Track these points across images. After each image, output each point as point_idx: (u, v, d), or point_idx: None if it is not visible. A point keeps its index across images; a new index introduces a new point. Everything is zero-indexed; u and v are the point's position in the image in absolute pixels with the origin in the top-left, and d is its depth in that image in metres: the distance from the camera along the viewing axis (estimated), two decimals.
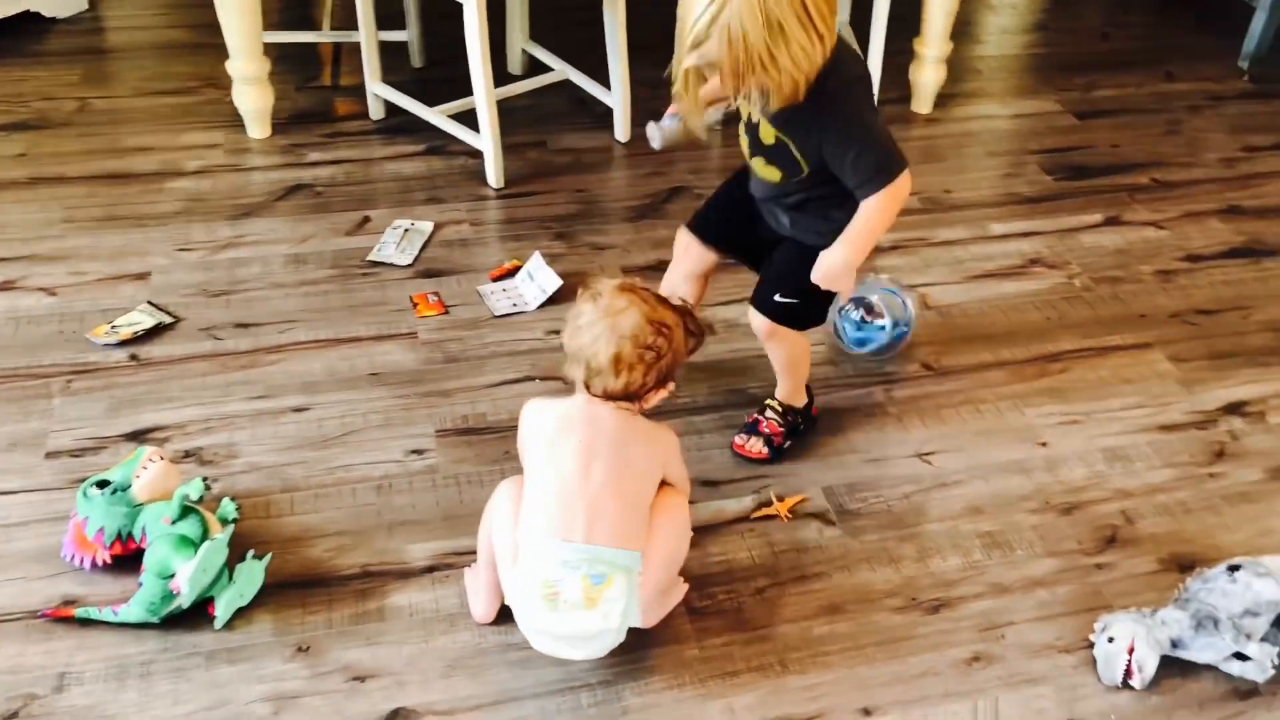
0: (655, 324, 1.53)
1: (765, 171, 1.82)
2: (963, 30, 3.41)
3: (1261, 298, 2.40)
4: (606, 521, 1.49)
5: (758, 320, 1.87)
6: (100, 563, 1.67)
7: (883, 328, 2.11)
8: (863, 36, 2.95)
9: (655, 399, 1.58)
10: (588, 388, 1.54)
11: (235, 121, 2.82)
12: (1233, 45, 3.35)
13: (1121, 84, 3.25)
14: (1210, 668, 1.61)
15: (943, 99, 3.06)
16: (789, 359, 1.93)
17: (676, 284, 1.99)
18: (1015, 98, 3.18)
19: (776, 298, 1.84)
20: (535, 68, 3.04)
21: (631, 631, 1.61)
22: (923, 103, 3.04)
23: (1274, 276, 2.46)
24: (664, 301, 1.59)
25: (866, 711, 1.56)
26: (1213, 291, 2.41)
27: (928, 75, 2.98)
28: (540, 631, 1.51)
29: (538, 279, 2.30)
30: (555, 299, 2.27)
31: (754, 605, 1.70)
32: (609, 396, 1.54)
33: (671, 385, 1.59)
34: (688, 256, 1.98)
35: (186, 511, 1.62)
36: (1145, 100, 3.17)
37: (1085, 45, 3.50)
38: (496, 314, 2.25)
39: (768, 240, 1.90)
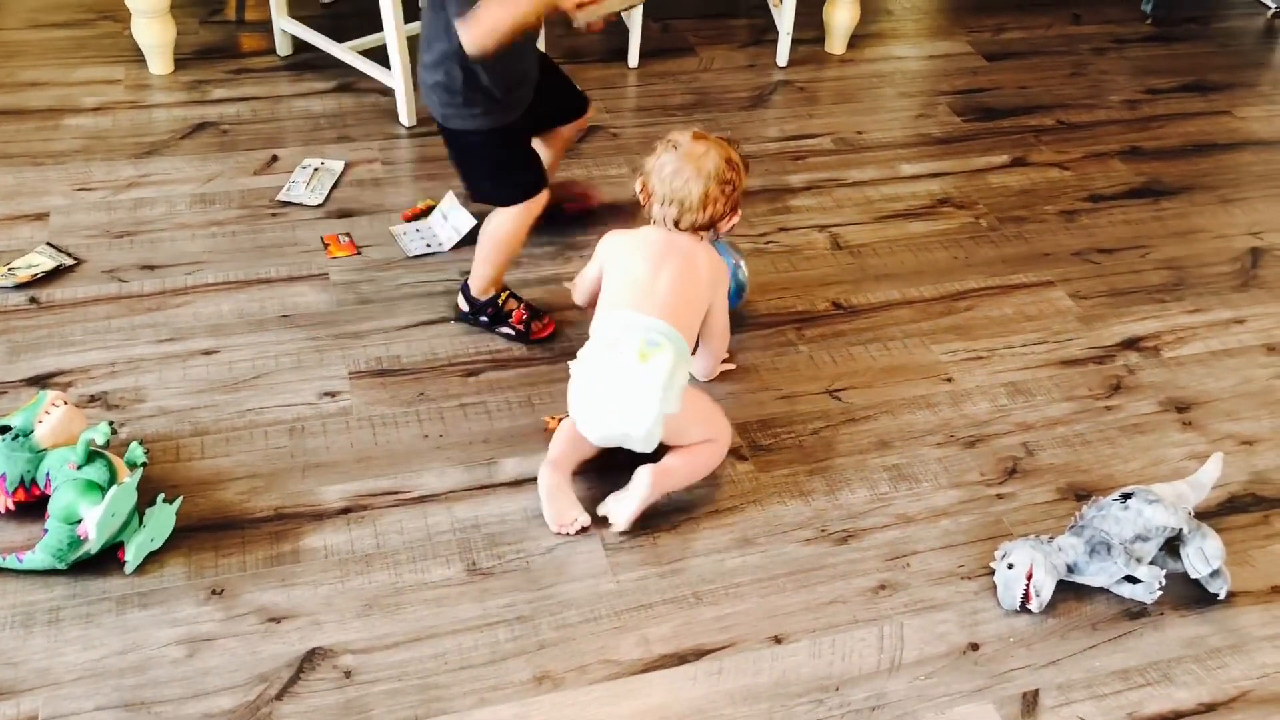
0: (730, 161, 1.79)
1: None
2: None
3: (1159, 237, 2.47)
4: (669, 308, 1.77)
5: (581, 121, 2.20)
6: (3, 510, 1.64)
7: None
8: None
9: (728, 225, 1.84)
10: (677, 224, 1.80)
11: (135, 56, 2.73)
12: None
13: (1030, 26, 3.30)
14: (1103, 591, 1.69)
15: (856, 39, 3.08)
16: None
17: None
18: (927, 39, 3.21)
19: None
20: None
21: (549, 567, 1.64)
22: (837, 43, 3.06)
23: (1172, 216, 2.54)
24: (730, 142, 1.83)
25: (777, 639, 1.60)
26: (1113, 231, 2.48)
27: (842, 15, 3.00)
28: (593, 397, 1.73)
29: (451, 219, 2.28)
30: (469, 239, 2.25)
31: (668, 539, 1.73)
32: (695, 228, 1.80)
33: (740, 212, 1.85)
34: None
35: (92, 456, 1.60)
36: (1052, 42, 3.23)
37: None
38: (410, 255, 2.23)
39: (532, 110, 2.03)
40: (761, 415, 1.96)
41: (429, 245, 2.25)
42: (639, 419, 1.71)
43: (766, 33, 3.06)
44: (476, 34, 1.75)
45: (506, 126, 1.94)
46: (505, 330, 2.06)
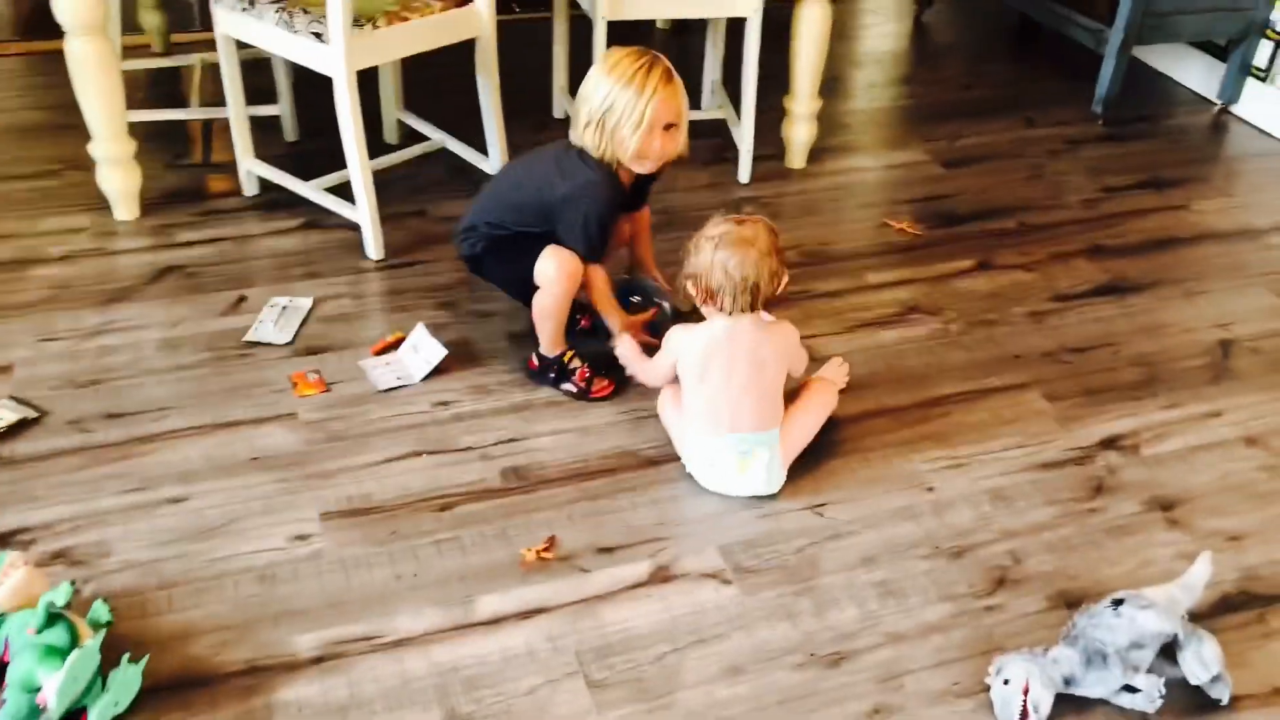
0: (770, 229, 1.92)
1: None
2: (831, 86, 3.51)
3: (1128, 333, 2.49)
4: (747, 414, 1.93)
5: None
6: None
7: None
8: (735, 95, 3.01)
9: (780, 288, 1.94)
10: (751, 308, 1.90)
11: (101, 204, 2.74)
12: (1086, 91, 3.50)
13: (985, 132, 3.37)
14: (1103, 702, 1.64)
15: (815, 154, 3.13)
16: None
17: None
18: (885, 150, 3.27)
19: None
20: (411, 137, 3.03)
21: (530, 709, 1.58)
22: (796, 158, 3.11)
23: (1139, 312, 2.56)
24: (743, 213, 1.97)
25: None
26: (1082, 329, 2.49)
27: (799, 132, 3.05)
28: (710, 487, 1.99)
29: (422, 351, 2.27)
30: (441, 370, 2.24)
31: (654, 673, 1.67)
32: (758, 307, 1.91)
33: (786, 275, 1.96)
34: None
35: (53, 619, 1.54)
36: (1008, 147, 3.30)
37: (949, 95, 3.62)
38: (380, 389, 2.21)
39: None
40: (743, 535, 1.92)
41: (399, 378, 2.24)
42: (756, 493, 1.98)
43: (726, 151, 3.11)
44: (567, 282, 2.13)
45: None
46: (567, 387, 2.21)
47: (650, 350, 2.12)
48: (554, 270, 2.12)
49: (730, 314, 1.92)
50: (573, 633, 1.73)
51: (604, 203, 2.12)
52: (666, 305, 2.38)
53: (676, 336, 1.99)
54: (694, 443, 1.99)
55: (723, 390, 1.93)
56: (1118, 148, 3.31)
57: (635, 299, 2.40)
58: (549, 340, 2.21)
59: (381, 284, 2.55)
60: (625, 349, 2.16)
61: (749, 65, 2.83)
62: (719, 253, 1.88)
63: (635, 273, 2.48)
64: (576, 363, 2.22)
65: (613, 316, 2.25)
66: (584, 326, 2.38)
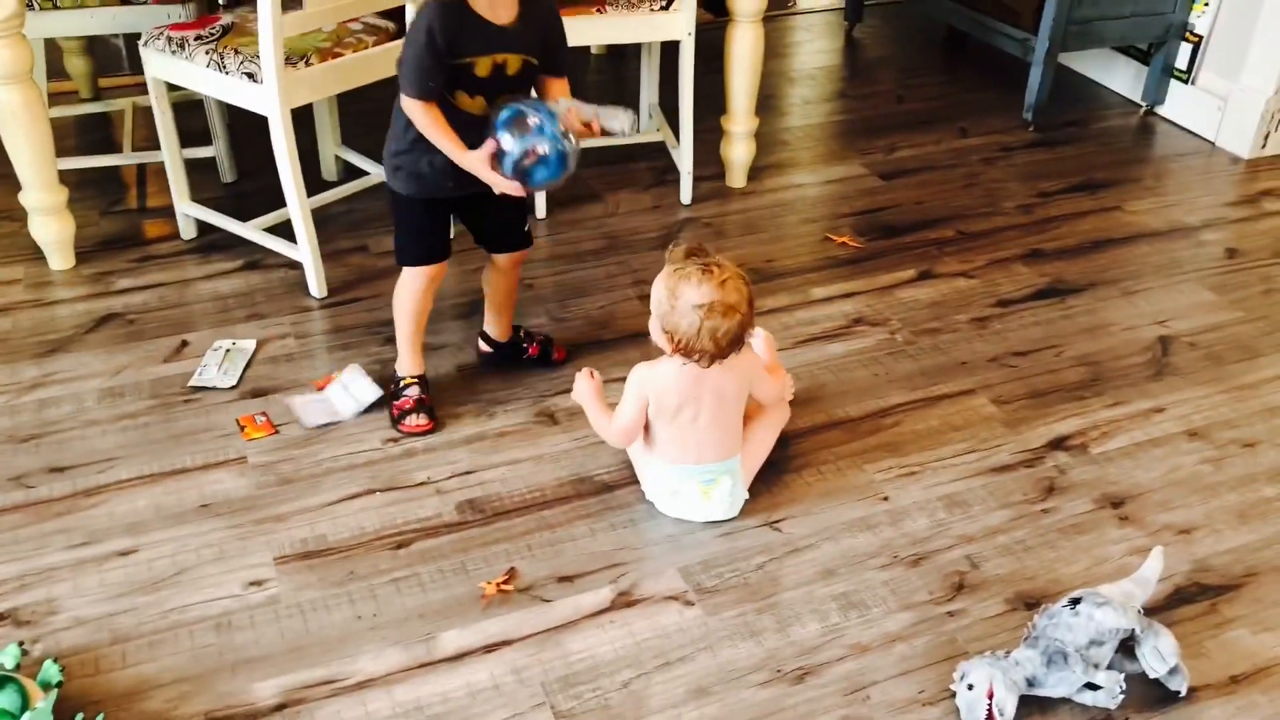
0: (747, 283, 1.84)
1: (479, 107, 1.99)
2: (767, 104, 3.54)
3: (1070, 334, 2.53)
4: (710, 446, 1.94)
5: (516, 255, 2.24)
6: None
7: (541, 129, 1.89)
8: (672, 118, 3.03)
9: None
10: (720, 358, 1.85)
11: (35, 254, 2.69)
12: (1016, 99, 3.57)
13: (919, 143, 3.42)
14: (1066, 701, 1.66)
15: (755, 172, 3.16)
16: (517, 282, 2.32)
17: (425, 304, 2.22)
18: (823, 165, 3.31)
19: (526, 227, 2.23)
20: (350, 172, 3.01)
21: None
22: (736, 177, 3.13)
23: (1079, 313, 2.61)
24: (711, 254, 1.85)
25: None
26: (1025, 333, 2.53)
27: (738, 151, 3.08)
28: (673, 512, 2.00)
29: (352, 389, 2.25)
30: (378, 405, 2.23)
31: (621, 699, 1.67)
32: (733, 351, 1.85)
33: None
34: (435, 283, 2.19)
35: (2, 681, 1.50)
36: (943, 157, 3.35)
37: (883, 109, 3.67)
38: (307, 425, 2.18)
39: (469, 207, 2.15)
40: (703, 556, 1.92)
41: (331, 416, 2.21)
42: (719, 518, 1.99)
43: (667, 173, 3.13)
44: (411, 115, 1.96)
45: (421, 199, 2.07)
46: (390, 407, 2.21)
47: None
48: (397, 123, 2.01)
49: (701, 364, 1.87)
50: (537, 664, 1.72)
51: (431, 18, 1.87)
52: (619, 122, 1.96)
53: (643, 377, 1.92)
54: (657, 472, 1.99)
55: (690, 428, 1.92)
56: (1050, 153, 3.38)
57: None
58: (400, 347, 2.22)
59: (326, 322, 2.53)
60: (583, 389, 2.04)
61: (685, 88, 2.85)
62: (708, 322, 1.79)
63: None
64: (411, 392, 2.20)
65: (457, 154, 1.95)
66: (531, 354, 2.37)
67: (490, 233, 2.21)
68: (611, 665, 1.72)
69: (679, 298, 1.81)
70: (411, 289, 2.16)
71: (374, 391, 2.23)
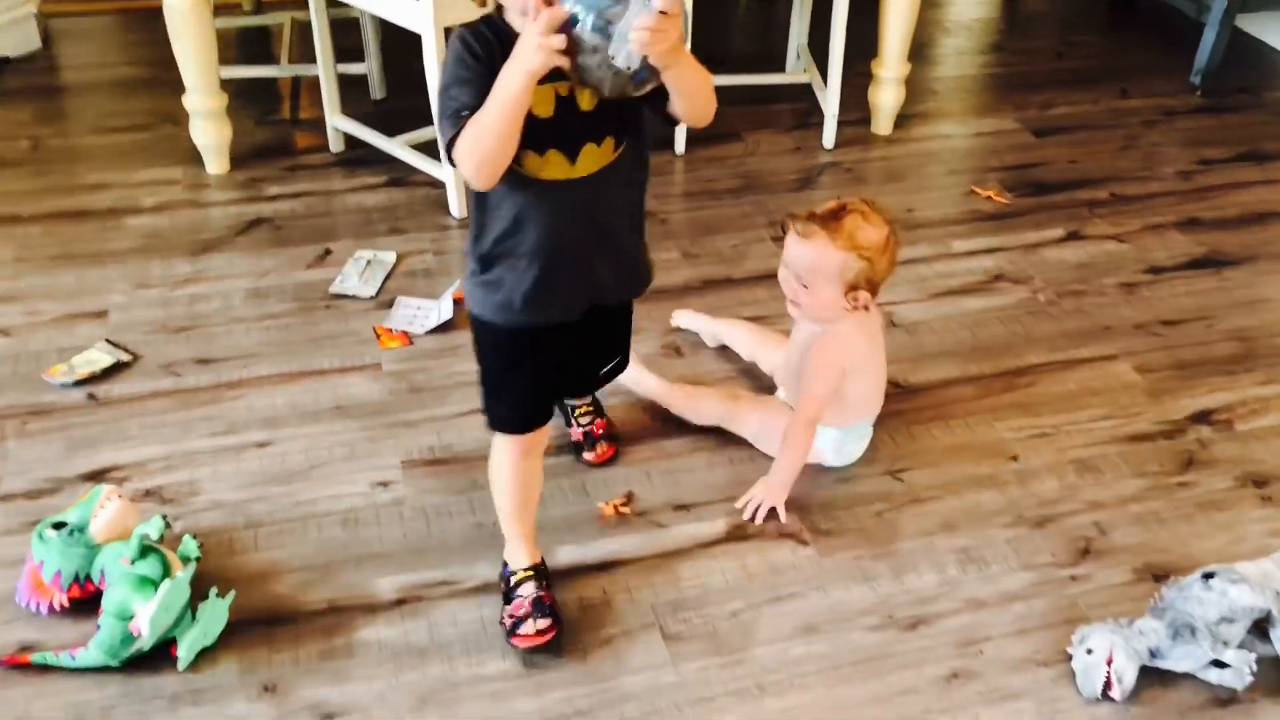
0: (876, 210, 1.82)
1: (594, 157, 1.43)
2: (919, 52, 3.44)
3: (1224, 307, 2.41)
4: (877, 397, 1.97)
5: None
6: (58, 606, 1.62)
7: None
8: (821, 60, 2.97)
9: None
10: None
11: (193, 157, 2.80)
12: (1184, 61, 3.39)
13: (1077, 101, 3.28)
14: (1189, 676, 1.60)
15: (902, 120, 3.08)
16: None
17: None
18: (973, 117, 3.20)
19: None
20: None
21: (608, 658, 1.59)
22: (882, 124, 3.06)
23: (1235, 286, 2.48)
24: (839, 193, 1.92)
25: None
26: (1175, 302, 2.42)
27: (886, 97, 3.00)
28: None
29: (442, 308, 2.30)
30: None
31: (729, 628, 1.67)
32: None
33: None
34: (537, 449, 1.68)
35: (146, 551, 1.58)
36: (1101, 116, 3.21)
37: (1040, 64, 3.54)
38: (392, 327, 2.25)
39: (575, 360, 1.70)
40: (821, 498, 1.91)
41: (410, 323, 2.27)
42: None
43: (811, 116, 3.07)
44: (463, 160, 1.36)
45: (508, 328, 1.53)
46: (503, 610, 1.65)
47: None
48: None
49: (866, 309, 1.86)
50: (648, 586, 1.73)
51: (460, 36, 1.38)
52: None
53: (836, 345, 1.85)
54: (825, 431, 1.91)
55: (875, 378, 1.93)
56: (1216, 119, 3.21)
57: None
58: (502, 525, 1.70)
59: (463, 241, 2.56)
60: (774, 492, 1.86)
61: (837, 28, 2.79)
62: (890, 252, 1.81)
63: None
64: (526, 589, 1.64)
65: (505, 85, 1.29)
66: (600, 457, 1.94)
67: (587, 369, 1.77)
68: (721, 594, 1.73)
69: (868, 244, 1.78)
70: (507, 459, 1.64)
71: (447, 314, 2.26)
